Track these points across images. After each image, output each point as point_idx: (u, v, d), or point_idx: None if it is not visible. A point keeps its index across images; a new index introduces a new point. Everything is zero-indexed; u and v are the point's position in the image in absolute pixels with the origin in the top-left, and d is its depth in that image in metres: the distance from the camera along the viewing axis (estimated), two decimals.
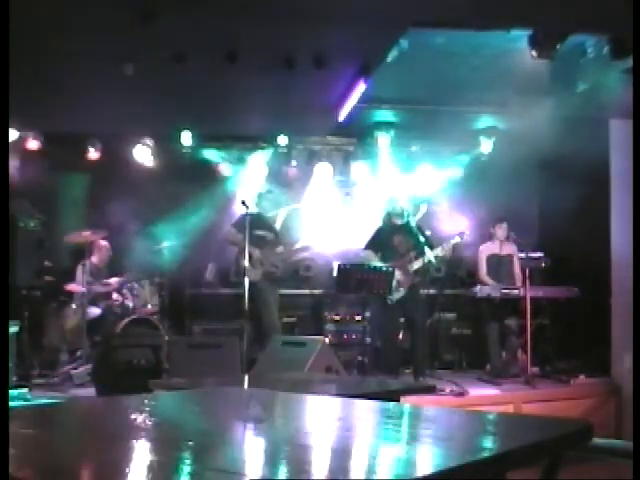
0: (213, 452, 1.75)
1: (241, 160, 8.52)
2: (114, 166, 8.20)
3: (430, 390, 4.31)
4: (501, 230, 7.59)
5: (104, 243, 7.75)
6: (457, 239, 7.06)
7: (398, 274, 6.77)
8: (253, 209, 7.30)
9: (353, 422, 2.33)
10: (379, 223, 7.49)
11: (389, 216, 7.25)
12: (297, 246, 7.74)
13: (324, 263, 8.69)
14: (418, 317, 7.04)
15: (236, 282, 7.32)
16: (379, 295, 6.76)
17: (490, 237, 7.69)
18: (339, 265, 6.99)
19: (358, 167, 8.79)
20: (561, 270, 7.77)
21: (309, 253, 7.88)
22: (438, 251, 6.91)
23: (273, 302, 7.31)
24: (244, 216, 6.76)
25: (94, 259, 7.64)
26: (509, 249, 7.64)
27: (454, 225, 8.47)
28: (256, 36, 5.41)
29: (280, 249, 7.48)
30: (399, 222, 7.12)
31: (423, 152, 8.75)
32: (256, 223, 7.17)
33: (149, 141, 8.17)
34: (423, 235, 6.99)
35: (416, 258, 6.93)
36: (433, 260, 6.92)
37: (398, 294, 6.84)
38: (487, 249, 7.67)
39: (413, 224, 7.02)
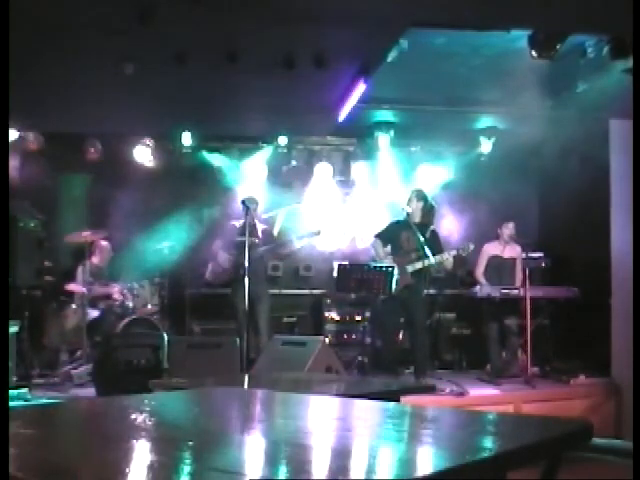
0: (213, 452, 1.75)
1: (241, 160, 8.52)
2: (114, 166, 8.20)
3: (430, 390, 4.30)
4: (507, 230, 7.53)
5: (104, 243, 7.75)
6: (460, 251, 6.94)
7: (396, 271, 6.71)
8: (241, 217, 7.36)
9: (353, 422, 2.33)
10: (392, 217, 7.41)
11: (408, 215, 7.01)
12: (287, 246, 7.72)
13: (324, 263, 8.70)
14: (418, 316, 7.01)
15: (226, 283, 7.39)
16: (379, 295, 6.75)
17: (497, 237, 7.64)
18: (339, 265, 6.97)
19: (358, 167, 8.78)
20: (561, 270, 7.77)
21: (291, 249, 7.81)
22: (438, 259, 6.83)
23: (245, 304, 7.15)
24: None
25: (94, 259, 7.63)
26: (513, 252, 7.58)
27: (453, 225, 8.49)
28: (256, 36, 5.41)
29: (260, 250, 7.45)
30: (417, 220, 7.01)
31: (423, 152, 8.75)
32: (239, 231, 7.21)
33: (149, 141, 8.17)
34: (434, 240, 6.94)
35: (417, 259, 6.89)
36: (433, 263, 6.87)
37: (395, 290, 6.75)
38: (491, 249, 7.63)
39: (431, 226, 6.98)
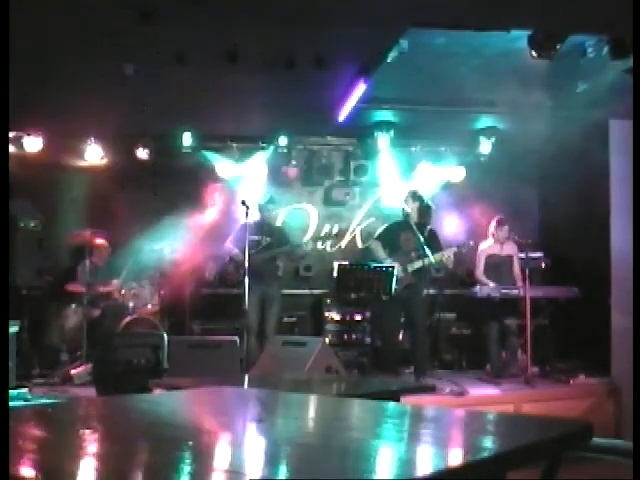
0: (213, 452, 1.75)
1: (241, 160, 8.52)
2: (114, 166, 8.20)
3: (430, 390, 4.30)
4: (502, 233, 7.55)
5: (103, 242, 7.75)
6: (460, 249, 6.97)
7: (397, 270, 6.71)
8: (256, 216, 7.42)
9: (353, 422, 2.33)
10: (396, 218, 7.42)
11: (407, 215, 7.03)
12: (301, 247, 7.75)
13: (324, 263, 8.70)
14: (418, 316, 7.00)
15: (234, 282, 7.36)
16: (379, 295, 6.74)
17: (492, 236, 7.65)
18: (339, 265, 6.97)
19: (358, 167, 8.78)
20: (561, 270, 7.77)
21: (305, 252, 7.82)
22: (438, 257, 6.84)
23: (255, 303, 7.18)
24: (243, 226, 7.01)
25: (94, 259, 7.63)
26: (510, 250, 7.61)
27: (453, 225, 8.48)
28: (256, 36, 5.41)
29: (275, 251, 7.47)
30: (415, 220, 7.01)
31: (423, 152, 8.74)
32: (253, 229, 7.21)
33: (149, 141, 8.17)
34: (433, 239, 6.95)
35: (417, 258, 6.89)
36: (433, 262, 6.87)
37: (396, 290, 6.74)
38: (487, 249, 7.64)
39: (428, 226, 6.99)
